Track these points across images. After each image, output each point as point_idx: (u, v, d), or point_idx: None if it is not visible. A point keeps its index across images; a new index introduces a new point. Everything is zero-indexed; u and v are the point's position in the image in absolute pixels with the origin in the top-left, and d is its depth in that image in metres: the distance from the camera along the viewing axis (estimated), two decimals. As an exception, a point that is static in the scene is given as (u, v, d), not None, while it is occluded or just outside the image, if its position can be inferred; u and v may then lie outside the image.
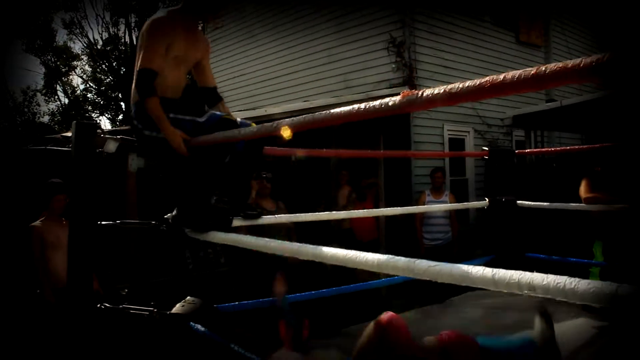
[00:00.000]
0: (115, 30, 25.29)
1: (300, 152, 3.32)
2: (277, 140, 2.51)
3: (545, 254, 4.33)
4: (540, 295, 1.01)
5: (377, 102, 1.26)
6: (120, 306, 2.22)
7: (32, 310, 4.20)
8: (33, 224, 4.20)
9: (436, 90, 1.13)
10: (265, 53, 10.15)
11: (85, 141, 2.32)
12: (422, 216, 6.20)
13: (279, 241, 1.77)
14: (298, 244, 1.63)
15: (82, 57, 26.68)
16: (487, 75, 1.03)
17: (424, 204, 6.13)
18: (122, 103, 24.92)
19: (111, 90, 25.90)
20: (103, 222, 2.32)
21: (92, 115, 25.95)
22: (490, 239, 4.45)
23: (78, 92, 27.18)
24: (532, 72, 0.93)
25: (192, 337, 1.97)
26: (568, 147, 7.04)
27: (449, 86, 1.10)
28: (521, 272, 1.04)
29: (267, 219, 3.00)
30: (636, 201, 4.07)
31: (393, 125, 6.81)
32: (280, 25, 9.83)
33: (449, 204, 6.00)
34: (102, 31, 27.29)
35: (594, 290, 0.91)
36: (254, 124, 2.19)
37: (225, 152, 2.26)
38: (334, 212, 4.29)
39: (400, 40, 7.84)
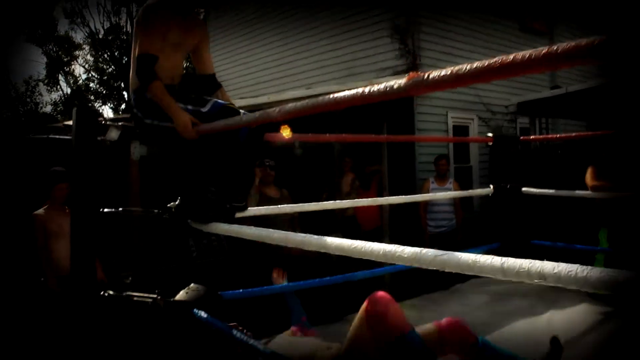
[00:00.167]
0: (117, 19, 25.23)
1: (302, 138, 3.29)
2: (278, 128, 2.49)
3: (550, 241, 4.31)
4: (550, 284, 0.99)
5: (381, 85, 1.22)
6: (124, 293, 2.21)
7: (37, 299, 4.20)
8: (35, 212, 4.20)
9: (443, 72, 1.10)
10: (267, 41, 10.08)
11: (86, 127, 2.29)
12: (426, 203, 6.17)
13: (283, 232, 1.75)
14: (302, 234, 1.61)
15: (84, 46, 26.63)
16: (491, 62, 1.00)
17: (428, 192, 6.10)
18: (124, 92, 24.85)
19: (113, 79, 25.83)
20: (105, 210, 2.30)
21: (95, 104, 25.90)
22: (495, 226, 4.43)
23: (80, 81, 27.15)
24: (544, 51, 0.89)
25: (195, 323, 1.96)
26: (573, 134, 6.98)
27: (456, 67, 1.07)
28: (530, 260, 1.02)
29: (271, 209, 2.98)
30: (642, 188, 4.05)
31: (397, 113, 6.76)
32: (283, 13, 9.75)
33: (454, 192, 5.98)
34: (104, 20, 27.17)
35: (607, 279, 0.88)
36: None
37: (227, 141, 2.23)
38: (337, 201, 4.26)
39: (403, 27, 7.77)
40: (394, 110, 6.40)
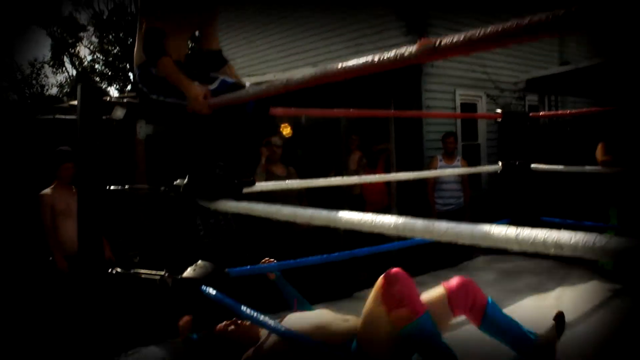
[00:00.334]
0: (121, -1, 25.00)
1: (309, 112, 3.26)
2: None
3: (560, 218, 4.28)
4: (567, 255, 0.96)
5: (391, 53, 1.18)
6: (132, 271, 2.21)
7: (45, 278, 4.23)
8: (42, 192, 4.21)
9: (455, 38, 1.06)
10: (273, 18, 9.97)
11: (91, 105, 2.27)
12: (434, 181, 6.14)
13: (291, 207, 1.72)
14: (311, 209, 1.58)
15: (89, 27, 26.47)
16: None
17: (435, 170, 6.07)
18: (130, 74, 24.77)
19: (118, 61, 25.72)
20: (112, 187, 2.29)
21: (101, 86, 25.85)
22: (504, 203, 4.40)
23: (85, 63, 27.06)
24: (562, 11, 0.85)
25: (203, 300, 1.95)
26: (584, 109, 6.90)
27: (469, 32, 1.02)
28: (546, 230, 0.99)
29: (279, 184, 2.96)
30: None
31: (404, 91, 6.70)
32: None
33: (462, 169, 5.93)
34: (108, 0, 26.95)
35: (626, 248, 0.85)
36: None
37: (235, 115, 2.19)
38: (344, 177, 4.24)
39: (411, 3, 7.66)
40: (402, 87, 6.34)
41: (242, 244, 4.55)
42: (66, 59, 26.54)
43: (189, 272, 2.07)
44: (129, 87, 25.00)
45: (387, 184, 6.90)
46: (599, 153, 4.73)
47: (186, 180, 2.27)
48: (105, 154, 2.27)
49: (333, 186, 4.33)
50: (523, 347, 2.22)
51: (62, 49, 26.08)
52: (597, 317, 3.36)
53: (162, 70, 2.15)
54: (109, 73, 26.39)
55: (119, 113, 3.39)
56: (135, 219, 5.23)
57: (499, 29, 0.97)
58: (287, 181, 3.30)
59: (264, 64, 10.16)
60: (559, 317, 2.34)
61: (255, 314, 1.93)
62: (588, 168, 4.23)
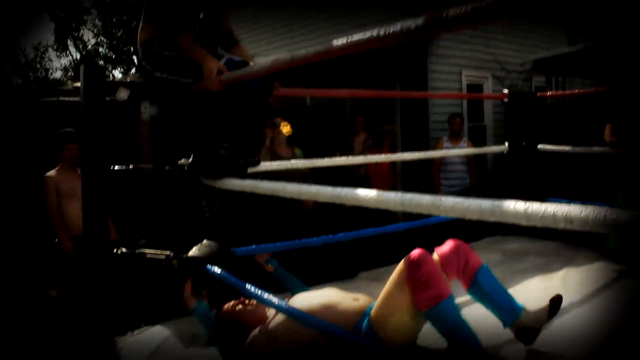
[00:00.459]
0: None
1: (314, 93, 3.23)
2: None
3: (567, 199, 4.26)
4: (577, 229, 0.94)
5: (397, 26, 1.16)
6: (137, 251, 2.21)
7: (52, 259, 4.25)
8: (47, 174, 4.21)
9: (463, 9, 1.03)
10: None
11: (95, 86, 2.25)
12: (440, 162, 6.11)
13: (296, 185, 1.71)
14: (316, 186, 1.57)
15: (92, 11, 26.33)
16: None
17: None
18: (134, 57, 24.67)
19: (122, 44, 25.61)
20: (116, 167, 2.28)
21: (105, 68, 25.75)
22: (510, 185, 4.37)
23: (90, 46, 26.95)
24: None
25: (208, 279, 1.95)
26: (592, 89, 6.82)
27: (478, 2, 1.00)
28: (556, 204, 0.97)
29: (283, 164, 2.95)
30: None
31: (410, 72, 6.64)
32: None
33: (469, 149, 5.90)
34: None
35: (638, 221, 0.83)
36: None
37: (240, 92, 2.17)
38: (350, 157, 4.22)
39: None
40: (407, 68, 6.28)
41: (247, 225, 4.56)
42: (70, 43, 26.48)
43: (194, 251, 2.07)
44: (133, 70, 24.93)
45: (393, 165, 6.87)
46: (606, 134, 4.69)
47: (191, 159, 2.26)
48: (109, 135, 2.26)
49: (338, 167, 4.32)
50: (506, 316, 2.23)
51: (66, 32, 25.98)
52: (602, 297, 3.35)
53: (182, 44, 2.12)
54: (113, 56, 26.30)
55: (123, 94, 3.36)
56: (140, 200, 5.24)
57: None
58: (292, 161, 3.28)
59: (269, 45, 10.08)
60: (556, 299, 2.34)
61: (261, 293, 1.93)
62: (595, 149, 4.19)
